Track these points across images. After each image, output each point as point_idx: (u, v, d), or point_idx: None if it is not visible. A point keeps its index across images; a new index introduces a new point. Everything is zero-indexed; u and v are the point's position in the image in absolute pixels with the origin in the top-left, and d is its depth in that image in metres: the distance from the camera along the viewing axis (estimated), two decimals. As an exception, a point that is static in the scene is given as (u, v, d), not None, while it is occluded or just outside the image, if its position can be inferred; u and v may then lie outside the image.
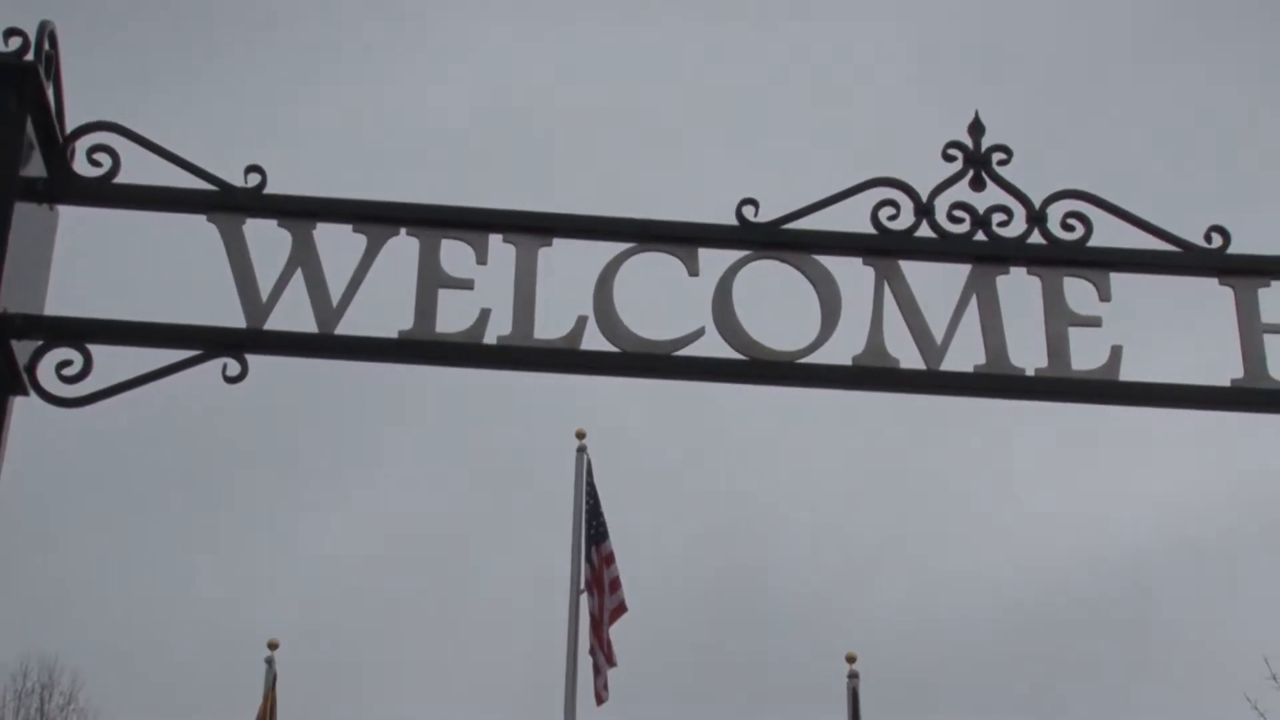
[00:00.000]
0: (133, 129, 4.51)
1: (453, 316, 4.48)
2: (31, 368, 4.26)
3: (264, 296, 4.44)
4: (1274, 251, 4.71)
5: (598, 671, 14.70)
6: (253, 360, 4.37)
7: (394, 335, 4.46)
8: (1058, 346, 4.55)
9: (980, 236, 4.65)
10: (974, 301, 4.60)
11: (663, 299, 4.69)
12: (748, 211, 4.62)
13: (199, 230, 4.51)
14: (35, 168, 4.39)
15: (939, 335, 4.55)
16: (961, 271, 4.65)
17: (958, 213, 4.65)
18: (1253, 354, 4.56)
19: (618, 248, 4.61)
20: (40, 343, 4.28)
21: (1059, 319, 4.58)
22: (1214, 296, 4.65)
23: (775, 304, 4.72)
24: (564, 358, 4.51)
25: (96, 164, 4.49)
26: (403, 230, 4.58)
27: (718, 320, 4.54)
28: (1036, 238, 4.66)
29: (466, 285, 4.53)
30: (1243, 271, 4.65)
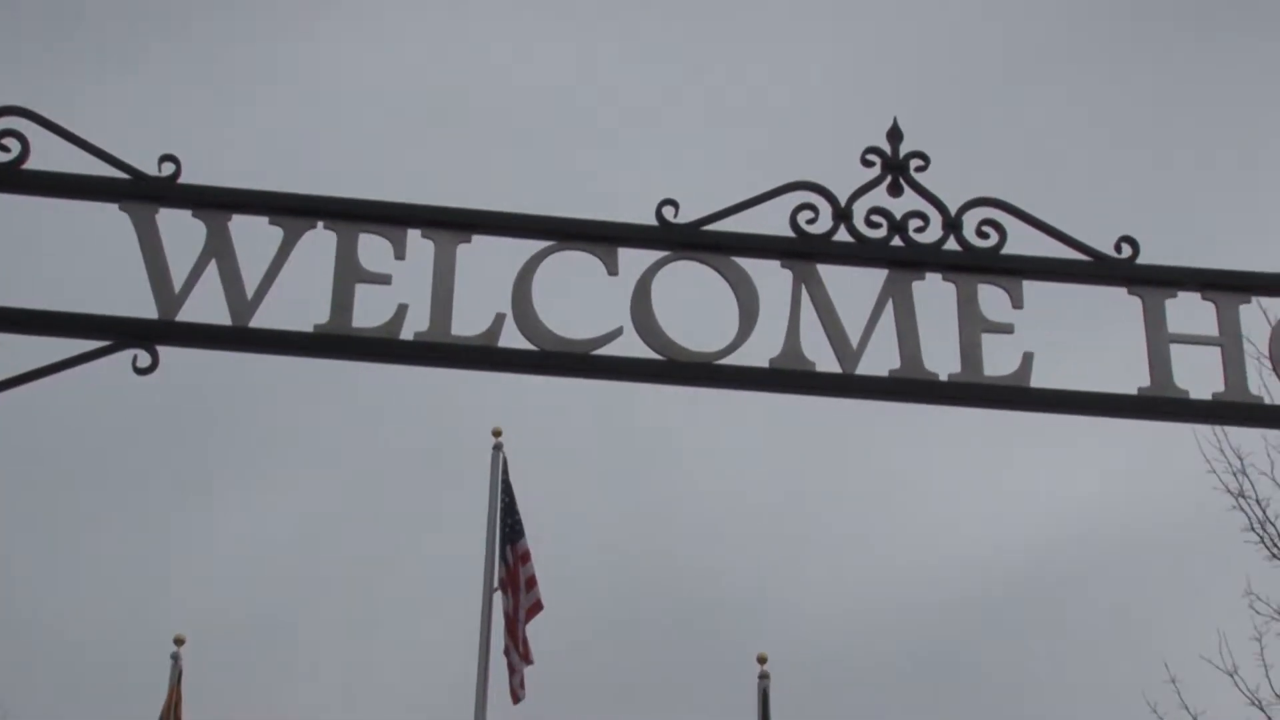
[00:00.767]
0: (44, 115, 4.44)
1: (370, 311, 4.45)
2: (-66, 356, 4.18)
3: (177, 288, 4.39)
4: (1182, 263, 4.81)
5: (513, 670, 14.65)
6: (164, 352, 4.32)
7: (309, 329, 4.42)
8: (971, 353, 4.61)
9: (897, 242, 4.70)
10: (890, 306, 4.65)
11: (581, 298, 4.69)
12: (668, 212, 4.63)
13: (111, 219, 4.45)
14: (-58, 152, 4.31)
15: (855, 339, 4.59)
16: (878, 276, 4.69)
17: (875, 218, 4.70)
18: (1159, 363, 4.65)
19: (537, 245, 4.60)
20: (-56, 330, 4.20)
21: (972, 325, 4.64)
22: (1123, 306, 4.74)
23: (694, 305, 4.74)
24: (481, 355, 4.49)
25: (5, 149, 4.42)
26: (320, 223, 4.54)
27: (636, 320, 4.55)
28: (952, 244, 4.72)
29: (384, 280, 4.50)
30: (1151, 282, 4.74)
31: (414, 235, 4.57)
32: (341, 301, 4.45)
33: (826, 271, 4.67)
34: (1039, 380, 4.61)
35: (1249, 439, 15.23)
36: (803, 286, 4.64)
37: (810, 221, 4.67)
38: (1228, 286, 4.76)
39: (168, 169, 4.49)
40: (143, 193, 4.46)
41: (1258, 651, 14.66)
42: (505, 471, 15.29)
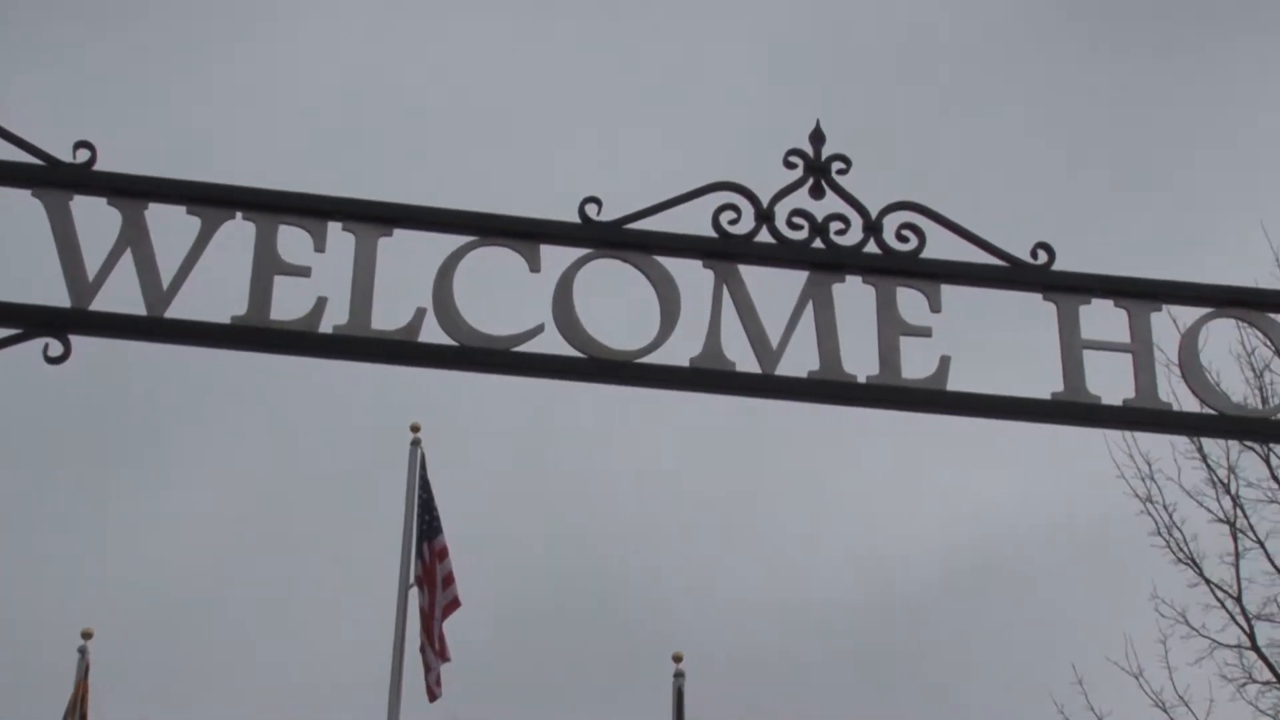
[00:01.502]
0: (-45, 97, 4.36)
1: (288, 304, 4.40)
2: None
3: (90, 276, 4.32)
4: (1097, 270, 4.89)
5: (428, 668, 14.56)
6: (76, 341, 4.25)
7: (226, 320, 4.37)
8: (889, 355, 4.65)
9: (818, 244, 4.73)
10: (810, 308, 4.68)
11: (503, 294, 4.68)
12: (590, 210, 4.63)
13: (24, 205, 4.36)
14: None
15: (775, 340, 4.62)
16: (799, 278, 4.73)
17: (797, 219, 4.73)
18: (1072, 368, 4.72)
19: (459, 240, 4.58)
20: None
21: (891, 328, 4.69)
22: (1038, 311, 4.81)
23: (615, 303, 4.74)
24: (401, 349, 4.47)
25: (-85, 132, 4.32)
26: (239, 214, 4.49)
27: (558, 317, 4.54)
28: (872, 247, 4.76)
29: (303, 273, 4.46)
30: (1065, 288, 4.82)
31: (334, 228, 4.53)
32: (260, 293, 4.40)
33: (748, 272, 4.70)
34: (956, 383, 4.66)
35: (1158, 445, 15.55)
36: (724, 286, 4.66)
37: (732, 222, 4.70)
38: (1140, 294, 4.84)
39: (83, 156, 4.42)
40: (57, 179, 4.39)
41: (1162, 654, 14.99)
42: (424, 467, 15.19)
